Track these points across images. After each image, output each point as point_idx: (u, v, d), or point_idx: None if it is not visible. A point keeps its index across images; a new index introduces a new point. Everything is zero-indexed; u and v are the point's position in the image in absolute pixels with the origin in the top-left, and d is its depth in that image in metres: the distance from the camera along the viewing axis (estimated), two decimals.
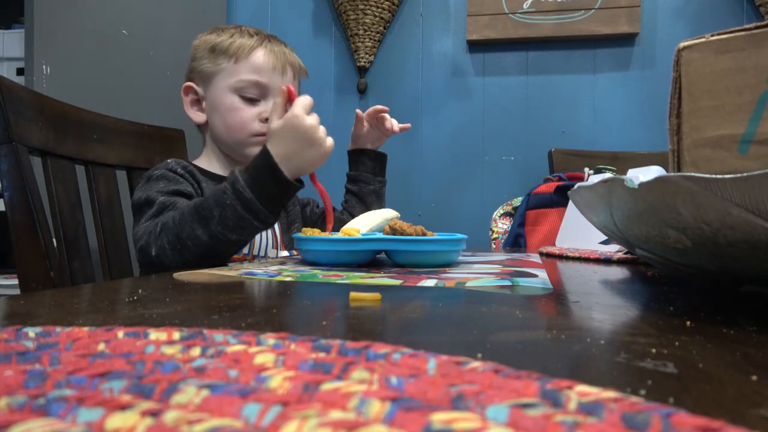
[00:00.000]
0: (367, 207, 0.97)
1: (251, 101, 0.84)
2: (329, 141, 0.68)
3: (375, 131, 0.97)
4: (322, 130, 0.67)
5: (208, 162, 0.89)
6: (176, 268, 0.63)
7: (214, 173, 0.85)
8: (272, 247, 0.86)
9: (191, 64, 0.88)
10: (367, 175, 0.98)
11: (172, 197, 0.71)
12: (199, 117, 0.87)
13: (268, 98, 0.84)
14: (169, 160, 0.78)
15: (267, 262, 0.61)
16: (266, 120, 0.82)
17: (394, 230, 0.59)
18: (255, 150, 0.83)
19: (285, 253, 0.88)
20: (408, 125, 0.98)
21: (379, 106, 0.94)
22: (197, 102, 0.88)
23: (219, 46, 0.84)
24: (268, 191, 0.63)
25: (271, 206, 0.63)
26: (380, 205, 0.98)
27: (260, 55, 0.84)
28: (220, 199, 0.62)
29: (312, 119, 0.66)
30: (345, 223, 0.79)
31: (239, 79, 0.83)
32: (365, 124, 0.96)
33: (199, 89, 0.87)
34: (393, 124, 0.95)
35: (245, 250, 0.81)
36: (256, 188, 0.62)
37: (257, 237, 0.82)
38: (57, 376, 0.16)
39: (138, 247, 0.67)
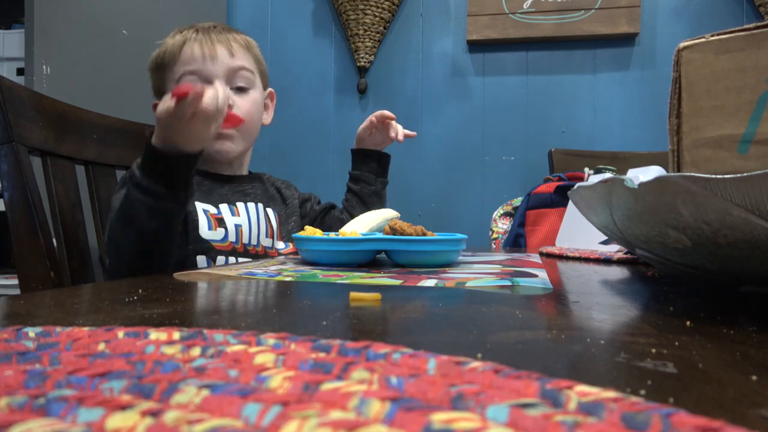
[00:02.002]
0: (367, 207, 0.96)
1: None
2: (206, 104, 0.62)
3: (379, 135, 0.98)
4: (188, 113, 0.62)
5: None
6: (129, 270, 0.65)
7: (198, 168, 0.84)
8: (266, 236, 0.86)
9: (150, 80, 0.88)
10: (369, 175, 0.98)
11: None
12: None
13: (206, 84, 0.81)
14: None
15: (267, 262, 0.61)
16: None
17: (394, 230, 0.59)
18: (215, 142, 0.81)
19: (281, 245, 0.87)
20: (413, 133, 0.98)
21: (387, 113, 0.94)
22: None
23: (157, 59, 0.84)
24: (157, 169, 0.63)
25: (175, 187, 0.64)
26: (381, 206, 0.98)
27: (187, 50, 0.82)
28: (129, 196, 0.64)
29: (163, 105, 0.62)
30: (345, 222, 0.79)
31: (175, 78, 0.82)
32: (372, 127, 0.97)
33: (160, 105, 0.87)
34: (398, 131, 0.96)
35: (232, 238, 0.80)
36: (147, 171, 0.63)
37: (247, 227, 0.82)
38: (57, 376, 0.16)
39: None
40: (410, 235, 0.58)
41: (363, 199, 0.98)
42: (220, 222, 0.80)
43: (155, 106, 0.85)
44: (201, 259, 0.77)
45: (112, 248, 0.66)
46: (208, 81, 0.82)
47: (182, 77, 0.81)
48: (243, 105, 0.84)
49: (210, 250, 0.78)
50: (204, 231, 0.78)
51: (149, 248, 0.66)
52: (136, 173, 0.63)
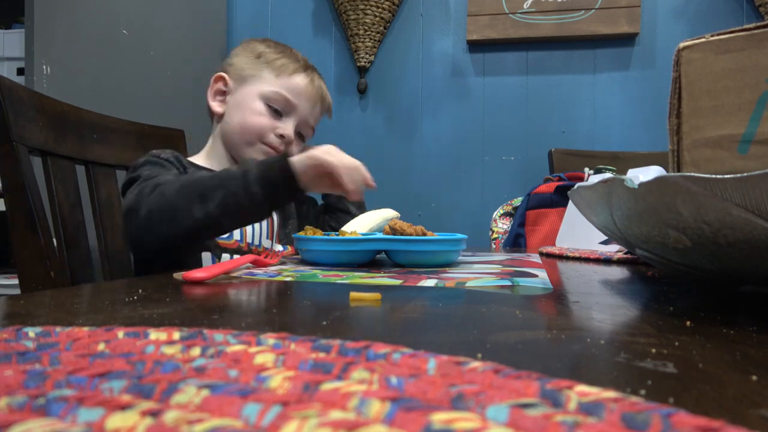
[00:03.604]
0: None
1: (275, 113, 0.87)
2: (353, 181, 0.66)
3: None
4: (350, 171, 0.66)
5: (206, 158, 0.90)
6: (158, 239, 0.63)
7: (210, 169, 0.85)
8: (267, 238, 0.86)
9: (231, 59, 0.91)
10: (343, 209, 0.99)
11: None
12: (218, 107, 0.90)
13: (290, 117, 0.88)
14: (153, 151, 0.79)
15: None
16: (281, 136, 0.86)
17: (394, 230, 0.59)
18: (257, 156, 0.85)
19: (279, 247, 0.88)
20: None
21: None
22: (221, 93, 0.90)
23: (265, 55, 0.89)
24: (277, 192, 0.64)
25: (272, 205, 0.65)
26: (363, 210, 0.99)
27: (300, 79, 0.88)
28: (226, 184, 0.63)
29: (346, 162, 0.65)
30: (345, 222, 0.79)
31: (274, 90, 0.86)
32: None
33: (230, 83, 0.89)
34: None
35: (237, 236, 0.81)
36: (266, 185, 0.63)
37: (250, 227, 0.83)
38: (57, 376, 0.16)
39: (125, 210, 0.66)
40: (410, 235, 0.58)
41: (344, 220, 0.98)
42: None
43: (218, 78, 0.90)
44: (206, 256, 0.77)
45: (168, 212, 0.63)
46: (290, 111, 0.88)
47: (275, 96, 0.86)
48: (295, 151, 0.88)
49: (215, 248, 0.78)
50: None
51: (210, 230, 0.65)
52: (255, 186, 0.62)
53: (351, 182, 0.65)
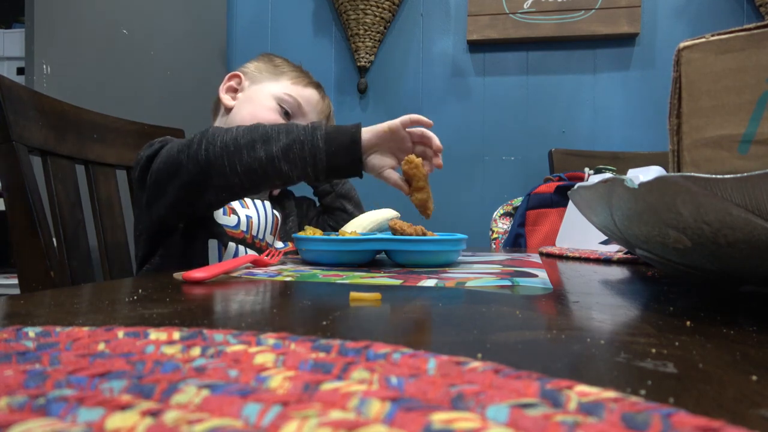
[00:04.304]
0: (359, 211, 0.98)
1: (284, 114, 0.89)
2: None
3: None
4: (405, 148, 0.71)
5: None
6: (210, 165, 0.62)
7: None
8: (270, 233, 0.86)
9: (249, 63, 0.95)
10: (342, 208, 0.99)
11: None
12: (229, 101, 0.92)
13: (297, 121, 0.90)
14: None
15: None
16: None
17: (394, 230, 0.59)
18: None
19: (280, 244, 0.88)
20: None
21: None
22: (233, 90, 0.93)
23: (282, 66, 0.94)
24: (339, 157, 0.64)
25: (329, 168, 0.64)
26: (357, 204, 1.00)
27: (313, 93, 0.92)
28: (293, 131, 0.63)
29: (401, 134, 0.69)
30: (345, 222, 0.79)
31: (287, 92, 0.89)
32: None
33: (244, 82, 0.92)
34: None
35: (243, 227, 0.81)
36: (330, 144, 0.63)
37: (256, 219, 0.83)
38: (57, 376, 0.16)
39: (167, 156, 0.65)
40: (410, 235, 0.58)
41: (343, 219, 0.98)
42: (233, 211, 0.81)
43: (232, 76, 0.93)
44: (213, 244, 0.77)
45: (232, 144, 0.62)
46: (299, 115, 0.91)
47: (288, 98, 0.89)
48: None
49: (222, 235, 0.77)
50: (218, 215, 0.79)
51: (266, 174, 0.63)
52: (320, 142, 0.63)
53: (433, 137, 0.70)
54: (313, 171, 0.64)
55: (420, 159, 0.65)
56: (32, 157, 0.74)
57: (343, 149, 0.64)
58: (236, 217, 0.81)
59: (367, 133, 0.66)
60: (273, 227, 0.88)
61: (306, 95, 0.91)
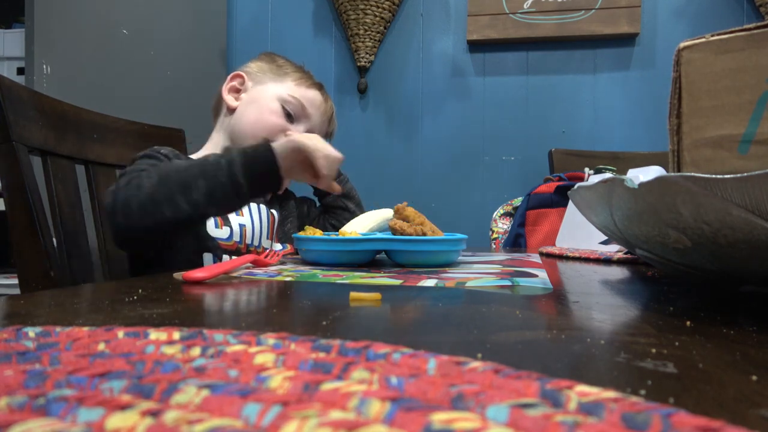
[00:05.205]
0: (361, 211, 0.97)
1: (288, 117, 0.89)
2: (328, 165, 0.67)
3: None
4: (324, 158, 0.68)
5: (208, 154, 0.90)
6: (136, 229, 0.63)
7: None
8: (267, 238, 0.86)
9: (251, 63, 0.95)
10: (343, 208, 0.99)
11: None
12: (232, 102, 0.92)
13: (301, 123, 0.90)
14: (154, 146, 0.78)
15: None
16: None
17: (394, 230, 0.59)
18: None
19: (278, 246, 0.88)
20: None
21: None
22: (236, 90, 0.93)
23: (285, 66, 0.94)
24: (262, 183, 0.65)
25: (255, 195, 0.65)
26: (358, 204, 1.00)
27: (316, 95, 0.92)
28: (210, 173, 0.62)
29: (324, 148, 0.67)
30: (345, 221, 0.79)
31: (291, 94, 0.89)
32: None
33: (247, 82, 0.92)
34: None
35: (237, 237, 0.81)
36: (249, 176, 0.63)
37: (250, 227, 0.84)
38: (57, 376, 0.16)
39: (105, 203, 0.65)
40: (410, 235, 0.58)
41: (344, 217, 0.98)
42: (225, 221, 0.81)
43: (235, 76, 0.93)
44: (207, 257, 0.78)
45: (149, 204, 0.62)
46: (302, 117, 0.91)
47: (292, 99, 0.89)
48: None
49: (216, 248, 0.78)
50: (211, 228, 0.79)
51: (193, 221, 0.65)
52: (240, 177, 0.62)
53: (325, 168, 0.66)
54: (239, 203, 0.67)
55: (405, 203, 0.63)
56: (32, 157, 0.74)
57: (265, 174, 0.64)
58: (228, 228, 0.81)
59: (280, 148, 0.65)
60: (269, 229, 0.87)
61: (309, 97, 0.91)
